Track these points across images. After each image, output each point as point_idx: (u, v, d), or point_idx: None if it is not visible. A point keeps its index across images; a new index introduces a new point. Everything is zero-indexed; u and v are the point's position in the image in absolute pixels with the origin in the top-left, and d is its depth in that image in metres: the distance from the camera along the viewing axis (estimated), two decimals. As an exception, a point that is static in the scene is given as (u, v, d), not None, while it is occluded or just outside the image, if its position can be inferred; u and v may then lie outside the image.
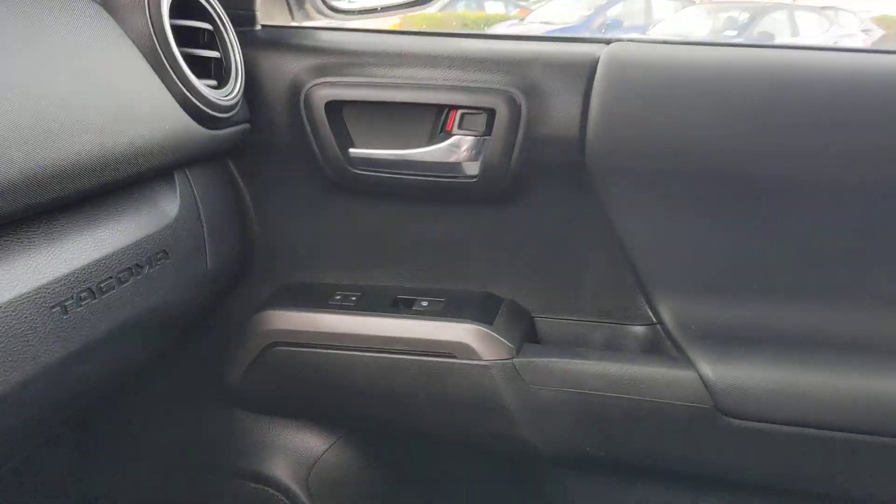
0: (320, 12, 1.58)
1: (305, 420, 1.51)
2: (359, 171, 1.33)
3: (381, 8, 1.73)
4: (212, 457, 1.57)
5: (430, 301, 1.36)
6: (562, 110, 1.25)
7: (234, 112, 1.23)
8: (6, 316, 0.87)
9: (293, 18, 1.57)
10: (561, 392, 1.27)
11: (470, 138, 1.29)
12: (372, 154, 1.32)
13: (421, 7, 1.77)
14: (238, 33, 1.30)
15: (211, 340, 1.44)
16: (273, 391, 1.44)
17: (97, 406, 1.42)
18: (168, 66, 1.11)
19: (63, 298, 0.96)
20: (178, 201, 1.20)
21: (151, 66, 1.10)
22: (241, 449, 1.55)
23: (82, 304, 0.99)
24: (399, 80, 1.31)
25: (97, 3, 1.08)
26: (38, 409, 0.99)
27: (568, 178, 1.29)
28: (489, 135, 1.27)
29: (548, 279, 1.39)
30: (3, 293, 0.87)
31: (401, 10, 1.76)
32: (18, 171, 0.85)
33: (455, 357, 1.29)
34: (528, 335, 1.37)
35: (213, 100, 1.17)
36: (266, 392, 1.44)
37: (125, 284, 1.07)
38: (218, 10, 1.25)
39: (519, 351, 1.30)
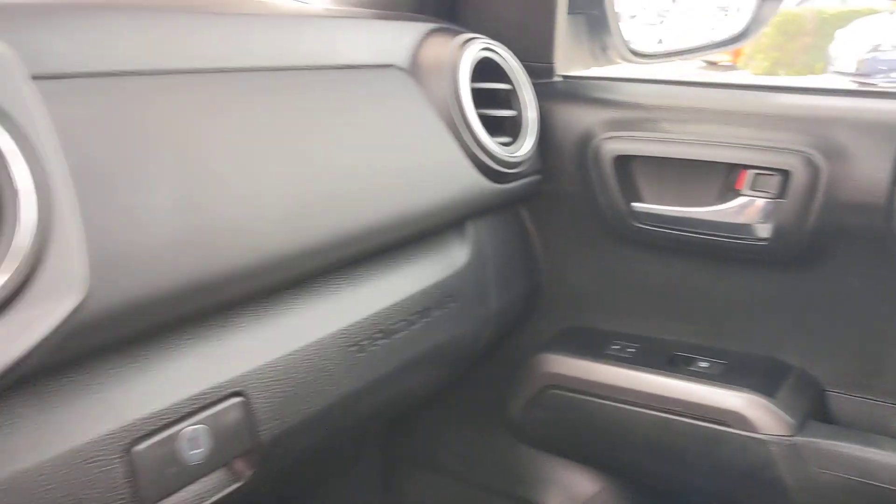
0: (624, 58, 1.59)
1: (578, 460, 1.55)
2: (643, 226, 1.33)
3: (688, 50, 1.70)
4: (492, 478, 1.66)
5: (710, 362, 1.33)
6: (867, 174, 1.15)
7: (524, 167, 1.30)
8: (315, 353, 1.02)
9: (595, 63, 1.61)
10: (847, 480, 1.17)
11: (761, 200, 1.23)
12: (657, 210, 1.32)
13: (734, 44, 1.71)
14: (536, 85, 1.37)
15: (496, 373, 1.53)
16: (548, 429, 1.49)
17: (396, 424, 1.57)
18: (464, 127, 1.20)
19: (360, 339, 1.09)
20: (467, 249, 1.30)
21: (448, 128, 1.20)
22: (520, 477, 1.62)
23: (376, 343, 1.11)
24: (690, 137, 1.29)
25: (405, 69, 1.21)
26: (336, 430, 1.14)
27: (871, 245, 1.18)
28: (783, 197, 1.21)
29: (843, 350, 1.28)
30: (313, 333, 1.02)
31: (710, 50, 1.71)
32: (331, 233, 0.98)
33: (731, 427, 1.25)
34: (814, 410, 1.27)
35: (505, 158, 1.25)
36: (542, 429, 1.50)
37: (414, 326, 1.18)
38: (516, 71, 1.32)
39: (802, 428, 1.22)
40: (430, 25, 1.28)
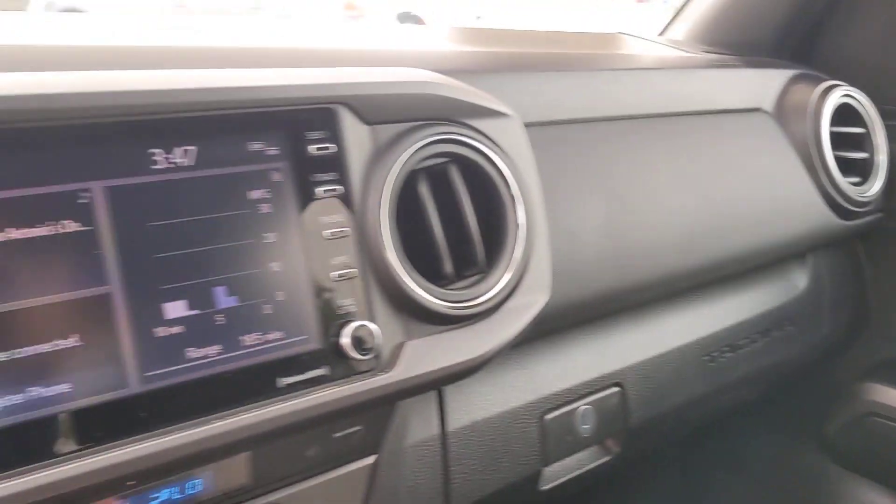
0: None
1: (892, 489, 1.60)
2: None
3: None
4: (796, 489, 1.74)
5: None
6: None
7: (871, 206, 1.38)
8: (676, 358, 1.20)
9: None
10: None
11: None
12: None
13: None
14: (888, 127, 1.43)
15: (812, 392, 1.62)
16: (866, 455, 1.56)
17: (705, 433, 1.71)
18: (821, 168, 1.31)
19: (711, 350, 1.25)
20: (806, 277, 1.41)
21: (806, 167, 1.31)
22: (827, 493, 1.69)
23: (724, 355, 1.27)
24: None
25: (769, 113, 1.34)
26: (684, 425, 1.31)
27: None
28: None
29: None
30: (675, 341, 1.20)
31: None
32: (709, 257, 1.15)
33: None
34: None
35: (856, 197, 1.34)
36: (859, 453, 1.57)
37: (755, 344, 1.32)
38: (872, 116, 1.40)
39: None
40: (793, 71, 1.39)
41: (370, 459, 0.85)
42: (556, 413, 1.06)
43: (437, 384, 0.81)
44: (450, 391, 0.97)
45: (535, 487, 1.07)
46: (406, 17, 7.76)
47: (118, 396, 0.63)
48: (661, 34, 1.69)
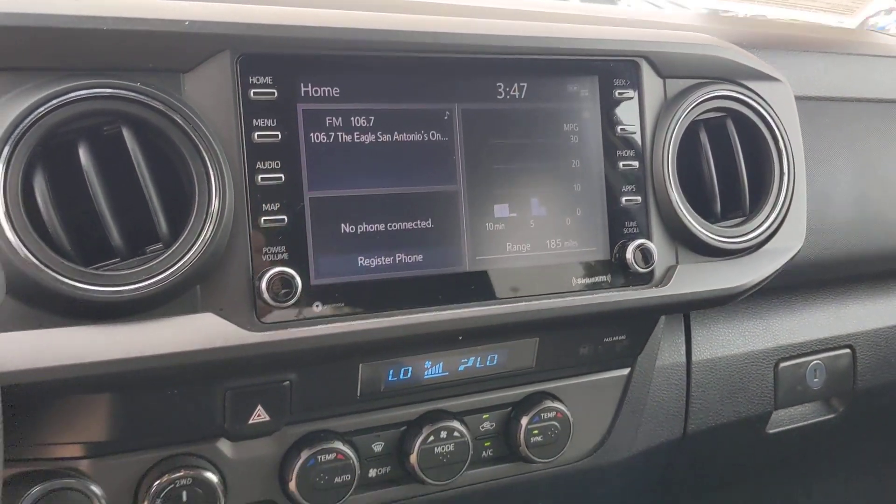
0: None
1: None
2: None
3: None
4: None
5: None
6: None
7: None
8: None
9: None
10: None
11: None
12: None
13: None
14: None
15: None
16: None
17: None
18: None
19: None
20: None
21: None
22: None
23: None
24: None
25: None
26: None
27: None
28: None
29: None
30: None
31: None
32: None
33: None
34: None
35: None
36: None
37: None
38: None
39: None
40: None
41: (626, 371, 0.99)
42: (789, 363, 1.15)
43: (701, 305, 0.94)
44: (696, 328, 1.09)
45: (763, 429, 1.17)
46: None
47: (455, 271, 0.81)
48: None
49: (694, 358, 1.08)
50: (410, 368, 0.85)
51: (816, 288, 1.19)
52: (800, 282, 1.13)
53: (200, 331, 0.68)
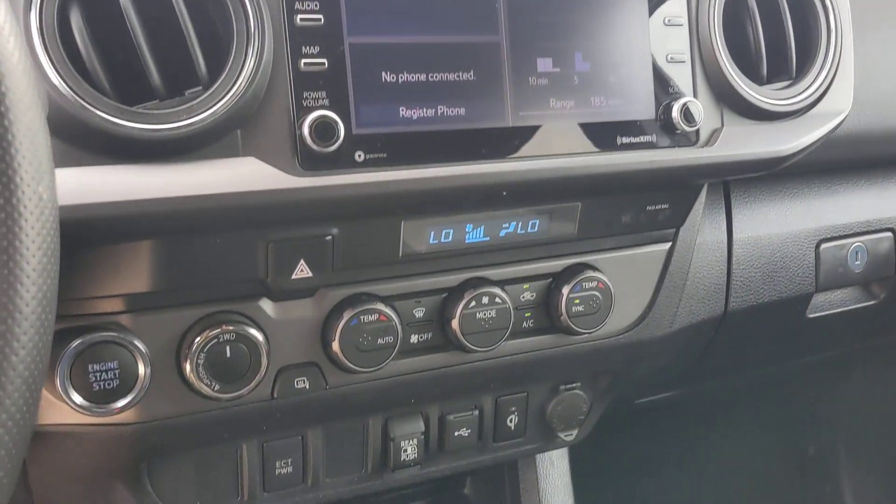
0: None
1: None
2: None
3: None
4: None
5: None
6: None
7: None
8: None
9: None
10: None
11: None
12: None
13: None
14: None
15: None
16: None
17: None
18: None
19: None
20: None
21: None
22: None
23: None
24: None
25: None
26: None
27: None
28: None
29: None
30: None
31: None
32: None
33: None
34: None
35: None
36: None
37: None
38: None
39: None
40: None
41: (667, 245, 0.98)
42: (831, 245, 1.13)
43: (747, 168, 0.91)
44: (737, 205, 1.07)
45: (804, 312, 1.15)
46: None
47: (498, 125, 0.78)
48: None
49: (735, 236, 1.06)
50: (452, 231, 0.83)
51: (857, 171, 1.16)
52: (842, 158, 1.10)
53: (243, 174, 0.67)
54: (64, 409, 0.74)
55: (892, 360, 1.72)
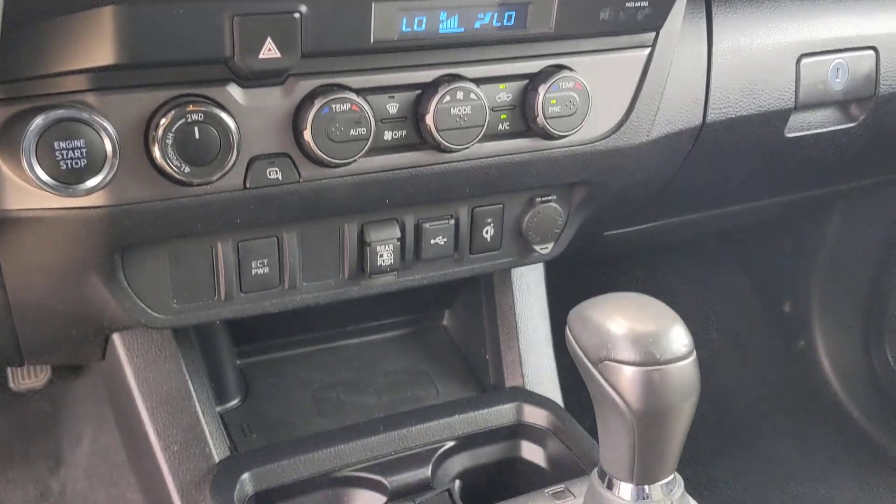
0: None
1: None
2: None
3: None
4: None
5: None
6: None
7: None
8: None
9: None
10: None
11: None
12: None
13: None
14: None
15: None
16: None
17: None
18: None
19: None
20: None
21: None
22: None
23: None
24: None
25: None
26: None
27: None
28: None
29: None
30: None
31: None
32: None
33: None
34: None
35: None
36: None
37: None
38: None
39: None
40: None
41: (646, 51, 0.96)
42: (812, 59, 1.12)
43: None
44: (718, 14, 1.05)
45: (782, 130, 1.14)
46: None
47: None
48: None
49: (715, 46, 1.04)
50: (425, 18, 0.81)
51: None
52: None
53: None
54: (33, 192, 0.73)
55: (868, 207, 1.74)
